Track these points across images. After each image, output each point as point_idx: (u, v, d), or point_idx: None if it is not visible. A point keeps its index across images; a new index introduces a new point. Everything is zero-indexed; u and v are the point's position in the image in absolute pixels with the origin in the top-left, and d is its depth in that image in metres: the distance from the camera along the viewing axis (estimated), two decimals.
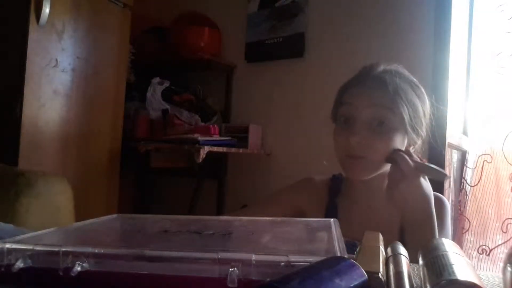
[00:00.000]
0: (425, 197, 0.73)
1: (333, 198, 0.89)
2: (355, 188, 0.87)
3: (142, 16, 2.11)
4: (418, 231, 0.73)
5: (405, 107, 0.76)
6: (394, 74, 0.79)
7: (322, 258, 0.31)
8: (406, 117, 0.76)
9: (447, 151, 1.63)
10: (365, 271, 0.30)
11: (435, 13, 1.67)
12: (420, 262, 0.36)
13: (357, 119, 0.76)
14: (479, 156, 1.82)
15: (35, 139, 1.45)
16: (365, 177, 0.79)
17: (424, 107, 0.81)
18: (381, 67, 0.81)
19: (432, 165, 0.73)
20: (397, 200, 0.73)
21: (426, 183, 0.74)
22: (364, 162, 0.76)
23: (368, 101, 0.76)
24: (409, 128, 0.77)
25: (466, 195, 1.83)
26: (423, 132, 0.82)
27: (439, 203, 0.83)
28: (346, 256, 0.33)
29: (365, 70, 0.82)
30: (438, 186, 1.56)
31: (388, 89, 0.76)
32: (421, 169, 0.73)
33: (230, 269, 0.32)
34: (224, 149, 1.84)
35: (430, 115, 0.84)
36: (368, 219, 0.84)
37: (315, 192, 0.91)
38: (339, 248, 0.36)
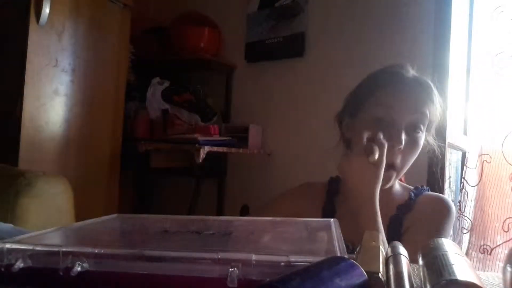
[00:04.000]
0: (363, 186, 0.73)
1: (331, 199, 0.89)
2: None
3: (142, 16, 2.11)
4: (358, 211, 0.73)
5: (438, 115, 0.81)
6: (426, 79, 0.81)
7: (322, 258, 0.31)
8: (435, 124, 0.81)
9: (447, 151, 1.63)
10: (365, 271, 0.30)
11: (435, 13, 1.67)
12: (420, 262, 0.36)
13: (399, 124, 0.76)
14: (479, 156, 1.82)
15: (35, 139, 1.45)
16: (389, 185, 0.80)
17: (440, 103, 0.84)
18: (411, 70, 0.82)
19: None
20: (340, 168, 0.75)
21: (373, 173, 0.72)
22: (394, 172, 0.78)
23: (412, 107, 0.77)
24: (431, 131, 0.82)
25: (467, 195, 1.83)
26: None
27: (442, 204, 0.83)
28: (346, 256, 0.33)
29: (395, 70, 0.82)
30: (437, 185, 1.56)
31: (431, 96, 0.78)
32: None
33: (230, 269, 0.32)
34: (224, 149, 1.84)
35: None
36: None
37: (313, 196, 0.92)
38: (339, 248, 0.36)
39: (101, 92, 1.72)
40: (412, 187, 0.89)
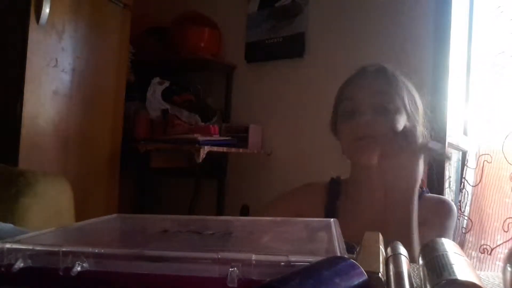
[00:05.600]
0: (411, 179, 0.72)
1: (333, 200, 0.89)
2: (357, 188, 0.87)
3: (142, 16, 2.11)
4: (394, 214, 0.72)
5: (404, 90, 0.81)
6: (387, 67, 0.84)
7: (322, 258, 0.31)
8: (406, 100, 0.80)
9: (447, 151, 1.63)
10: (365, 271, 0.30)
11: (435, 14, 1.67)
12: (420, 262, 0.36)
13: (362, 105, 0.78)
14: (479, 156, 1.82)
15: (35, 139, 1.45)
16: (373, 160, 0.77)
17: (417, 95, 0.85)
18: (372, 66, 0.85)
19: (435, 146, 0.74)
20: (383, 170, 0.73)
21: (418, 168, 0.73)
22: (373, 142, 0.76)
23: (370, 89, 0.80)
24: (409, 111, 0.80)
25: (467, 195, 1.83)
26: (419, 119, 0.84)
27: (443, 206, 0.84)
28: (346, 256, 0.33)
29: (360, 69, 0.87)
30: (437, 185, 1.56)
31: (387, 75, 0.80)
32: (423, 149, 0.73)
33: (230, 269, 0.32)
34: (224, 149, 1.84)
35: (425, 109, 0.87)
36: (370, 219, 0.83)
37: (314, 197, 0.91)
38: (339, 248, 0.36)
39: (101, 92, 1.72)
40: None
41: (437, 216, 0.82)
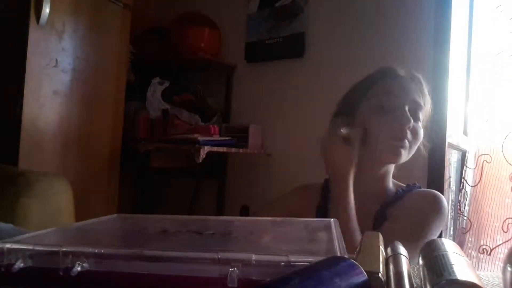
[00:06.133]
0: (335, 165, 0.80)
1: (325, 199, 0.89)
2: None
3: (142, 16, 2.11)
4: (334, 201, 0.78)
5: (428, 105, 0.87)
6: (417, 74, 0.89)
7: (322, 258, 0.31)
8: (426, 113, 0.86)
9: (447, 151, 1.63)
10: (365, 271, 0.30)
11: (435, 13, 1.67)
12: (420, 262, 0.36)
13: (402, 108, 0.81)
14: (479, 156, 1.83)
15: (35, 139, 1.45)
16: (404, 160, 0.83)
17: (429, 105, 0.90)
18: (402, 70, 0.88)
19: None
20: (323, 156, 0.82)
21: (343, 155, 0.79)
22: (408, 146, 0.82)
23: (410, 95, 0.83)
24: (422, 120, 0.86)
25: (466, 195, 1.83)
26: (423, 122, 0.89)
27: (431, 199, 0.83)
28: (346, 256, 0.33)
29: (388, 69, 0.88)
30: (437, 185, 1.56)
31: (421, 87, 0.86)
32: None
33: (230, 269, 0.32)
34: (224, 149, 1.84)
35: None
36: (361, 220, 0.82)
37: (309, 198, 0.92)
38: (339, 248, 0.36)
39: (101, 92, 1.72)
40: (404, 185, 0.89)
41: (423, 206, 0.81)
